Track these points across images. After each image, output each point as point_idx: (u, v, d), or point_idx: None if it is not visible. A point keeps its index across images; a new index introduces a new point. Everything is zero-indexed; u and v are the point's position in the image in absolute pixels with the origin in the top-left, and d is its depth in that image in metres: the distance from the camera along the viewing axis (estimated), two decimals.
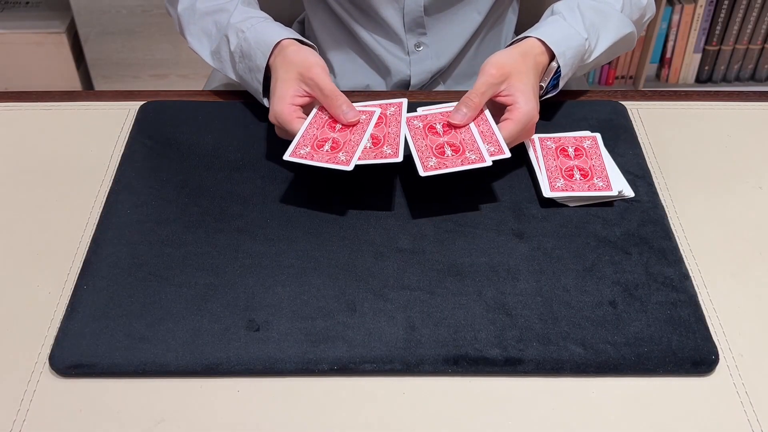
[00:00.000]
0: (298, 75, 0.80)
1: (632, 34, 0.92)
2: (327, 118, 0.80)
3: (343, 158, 0.75)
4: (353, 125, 0.79)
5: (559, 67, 0.84)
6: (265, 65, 0.84)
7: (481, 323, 0.68)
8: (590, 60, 0.88)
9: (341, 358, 0.66)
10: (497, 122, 0.79)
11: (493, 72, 0.79)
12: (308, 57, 0.81)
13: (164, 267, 0.73)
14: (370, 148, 0.76)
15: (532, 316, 0.69)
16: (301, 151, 0.76)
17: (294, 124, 0.79)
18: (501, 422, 0.63)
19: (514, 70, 0.80)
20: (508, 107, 0.80)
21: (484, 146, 0.76)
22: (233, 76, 0.90)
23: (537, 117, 0.80)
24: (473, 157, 0.76)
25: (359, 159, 0.75)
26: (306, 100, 0.81)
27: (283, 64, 0.82)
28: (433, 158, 0.76)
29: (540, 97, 0.86)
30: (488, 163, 0.75)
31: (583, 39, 0.85)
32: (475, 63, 1.02)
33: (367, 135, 0.77)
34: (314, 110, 0.81)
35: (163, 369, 0.65)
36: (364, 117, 0.79)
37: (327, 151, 0.76)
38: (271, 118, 0.81)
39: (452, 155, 0.76)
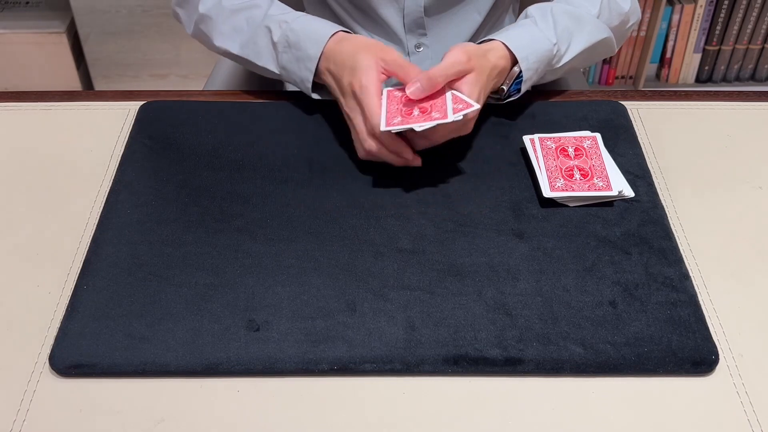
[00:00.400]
0: (375, 53, 0.81)
1: (609, 39, 0.92)
2: (401, 95, 0.81)
3: (437, 115, 0.77)
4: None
5: (521, 71, 0.85)
6: (319, 54, 0.84)
7: (481, 323, 0.68)
8: (560, 65, 0.88)
9: (341, 358, 0.66)
10: None
11: (463, 59, 0.80)
12: (377, 41, 0.83)
13: (164, 267, 0.73)
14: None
15: (532, 316, 0.69)
16: (395, 121, 0.77)
17: (375, 94, 0.78)
18: (501, 422, 0.63)
19: (478, 65, 0.81)
20: None
21: (452, 105, 0.78)
22: (272, 67, 0.89)
23: (476, 114, 0.81)
24: (437, 115, 0.77)
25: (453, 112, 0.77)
26: (383, 77, 0.81)
27: (354, 44, 0.82)
28: (399, 117, 0.78)
29: (502, 99, 0.87)
30: (451, 118, 0.76)
31: (551, 44, 0.86)
32: None
33: (449, 92, 0.80)
34: (385, 91, 0.81)
35: (163, 369, 0.65)
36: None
37: (418, 115, 0.78)
38: (357, 86, 0.79)
39: (419, 114, 0.78)
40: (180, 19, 0.97)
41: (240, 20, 0.90)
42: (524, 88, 0.86)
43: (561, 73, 0.92)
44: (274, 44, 0.88)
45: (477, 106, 0.77)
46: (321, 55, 0.84)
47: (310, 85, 0.86)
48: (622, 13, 0.93)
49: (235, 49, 0.91)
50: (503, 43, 0.84)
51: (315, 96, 0.88)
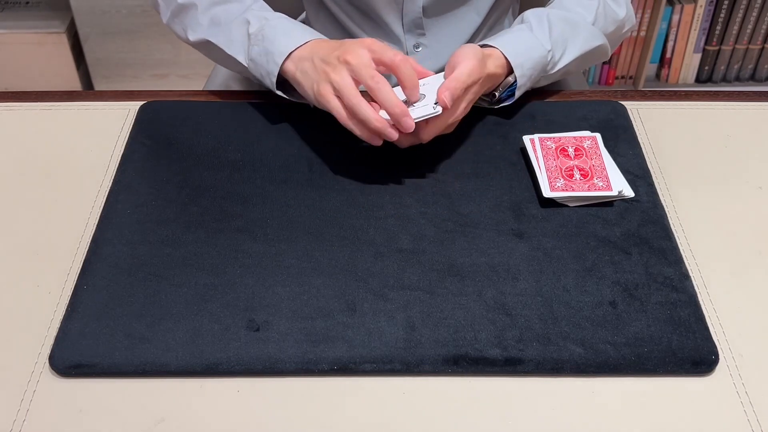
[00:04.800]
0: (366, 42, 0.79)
1: (603, 46, 0.93)
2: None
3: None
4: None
5: (515, 80, 0.86)
6: (291, 50, 0.83)
7: (481, 323, 0.68)
8: (554, 71, 0.89)
9: (341, 358, 0.66)
10: None
11: (477, 69, 0.80)
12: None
13: (164, 267, 0.73)
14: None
15: (532, 316, 0.69)
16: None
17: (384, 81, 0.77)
18: (501, 422, 0.63)
19: (481, 77, 0.82)
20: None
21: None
22: (241, 57, 0.87)
23: (458, 119, 0.82)
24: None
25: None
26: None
27: (334, 41, 0.82)
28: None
29: (495, 104, 0.88)
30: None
31: (546, 51, 0.86)
32: None
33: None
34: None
35: (163, 369, 0.65)
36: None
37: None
38: (356, 62, 0.77)
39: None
40: (158, 8, 0.95)
41: (219, 11, 0.90)
42: (518, 94, 0.88)
43: (555, 78, 0.92)
44: (249, 35, 0.87)
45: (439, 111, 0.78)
46: (294, 51, 0.83)
47: (275, 80, 0.85)
48: (617, 20, 0.94)
49: (206, 34, 0.89)
50: (501, 51, 0.85)
51: (279, 93, 0.86)
